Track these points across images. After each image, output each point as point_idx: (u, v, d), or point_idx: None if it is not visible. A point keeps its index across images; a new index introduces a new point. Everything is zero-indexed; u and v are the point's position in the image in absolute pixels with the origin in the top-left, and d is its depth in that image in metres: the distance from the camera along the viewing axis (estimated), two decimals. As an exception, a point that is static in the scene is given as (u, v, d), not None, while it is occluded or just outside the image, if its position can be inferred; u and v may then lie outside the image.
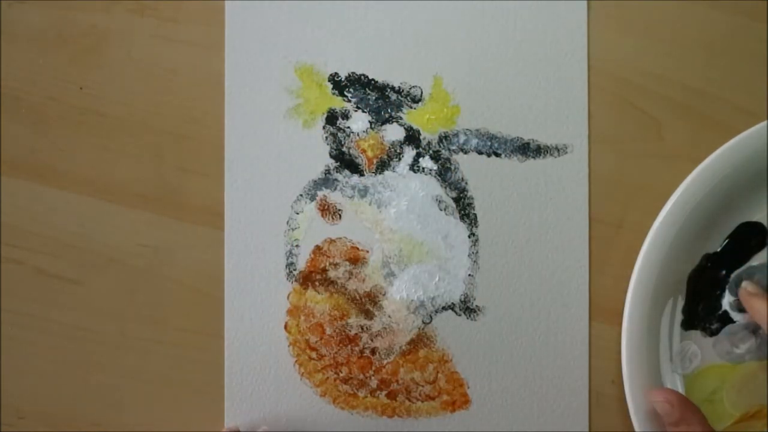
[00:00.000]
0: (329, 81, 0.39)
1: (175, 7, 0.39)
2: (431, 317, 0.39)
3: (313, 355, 0.39)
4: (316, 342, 0.39)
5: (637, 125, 0.40)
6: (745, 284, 0.39)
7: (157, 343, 0.39)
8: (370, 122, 0.39)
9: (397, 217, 0.39)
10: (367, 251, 0.39)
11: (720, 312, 0.40)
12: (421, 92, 0.40)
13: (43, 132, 0.39)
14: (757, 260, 0.40)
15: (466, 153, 0.39)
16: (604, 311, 0.40)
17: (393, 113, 0.40)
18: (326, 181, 0.39)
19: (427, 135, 0.40)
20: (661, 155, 0.40)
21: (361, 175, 0.39)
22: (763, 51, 0.40)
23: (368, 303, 0.39)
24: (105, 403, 0.39)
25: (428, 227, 0.39)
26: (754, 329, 0.40)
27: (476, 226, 0.39)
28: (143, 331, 0.39)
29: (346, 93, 0.40)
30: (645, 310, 0.39)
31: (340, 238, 0.39)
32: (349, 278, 0.39)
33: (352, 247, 0.39)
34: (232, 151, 0.39)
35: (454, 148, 0.39)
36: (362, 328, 0.39)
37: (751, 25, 0.40)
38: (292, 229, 0.39)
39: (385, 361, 0.39)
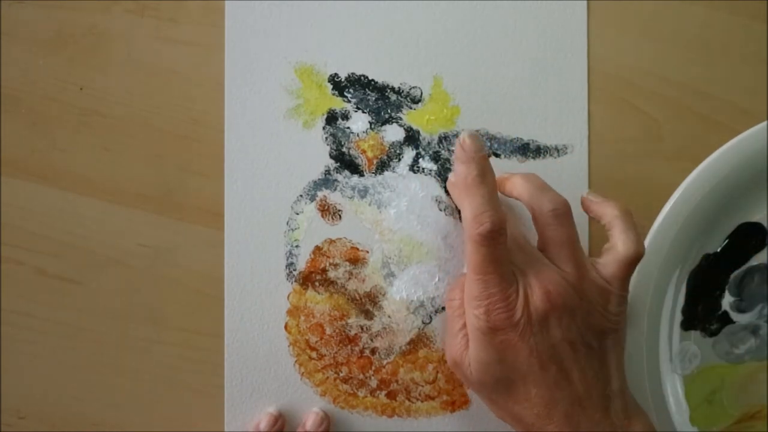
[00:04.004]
0: (329, 81, 0.39)
1: (175, 7, 0.39)
2: (431, 317, 0.39)
3: (313, 355, 0.39)
4: (316, 342, 0.39)
5: (637, 125, 0.40)
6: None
7: (157, 343, 0.39)
8: (370, 123, 0.39)
9: (396, 217, 0.39)
10: (367, 251, 0.39)
11: (720, 312, 0.40)
12: (421, 93, 0.40)
13: (43, 132, 0.39)
14: (757, 260, 0.40)
15: (466, 153, 0.39)
16: (604, 311, 0.39)
17: (393, 114, 0.39)
18: (326, 181, 0.39)
19: (427, 135, 0.39)
20: (661, 155, 0.40)
21: (361, 175, 0.39)
22: (763, 51, 0.40)
23: (368, 303, 0.39)
24: (105, 403, 0.39)
25: (428, 227, 0.39)
26: (754, 329, 0.40)
27: (476, 226, 0.39)
28: (143, 331, 0.39)
29: (346, 93, 0.39)
30: (645, 310, 0.39)
31: (340, 239, 0.39)
32: (349, 278, 0.39)
33: (352, 248, 0.39)
34: (232, 151, 0.39)
35: (453, 148, 0.39)
36: (362, 328, 0.39)
37: (751, 25, 0.40)
38: (292, 230, 0.39)
39: (385, 361, 0.39)
